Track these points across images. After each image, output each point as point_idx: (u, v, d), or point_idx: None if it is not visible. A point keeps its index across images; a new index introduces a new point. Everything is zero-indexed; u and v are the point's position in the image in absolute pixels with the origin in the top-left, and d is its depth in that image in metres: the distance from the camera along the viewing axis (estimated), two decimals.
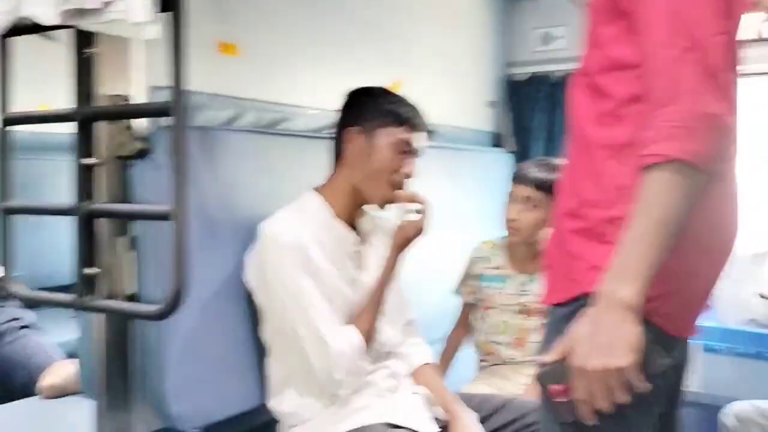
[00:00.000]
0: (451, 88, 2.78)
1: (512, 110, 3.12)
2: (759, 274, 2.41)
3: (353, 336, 1.51)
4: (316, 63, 2.01)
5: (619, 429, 1.03)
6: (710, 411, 2.06)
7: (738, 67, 1.08)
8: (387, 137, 1.57)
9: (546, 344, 1.09)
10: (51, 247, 2.26)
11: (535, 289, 2.05)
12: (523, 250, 2.09)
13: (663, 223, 0.93)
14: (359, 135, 1.57)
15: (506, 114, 3.14)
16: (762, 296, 2.34)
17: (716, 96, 0.93)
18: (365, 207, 1.66)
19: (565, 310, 1.07)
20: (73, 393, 1.92)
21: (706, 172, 0.93)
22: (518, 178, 2.06)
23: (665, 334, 1.04)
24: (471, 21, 2.91)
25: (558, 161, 2.03)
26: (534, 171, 2.03)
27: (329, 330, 1.48)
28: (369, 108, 1.59)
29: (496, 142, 3.13)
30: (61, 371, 1.94)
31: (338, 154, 1.62)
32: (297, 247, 1.48)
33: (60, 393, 1.91)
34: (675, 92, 0.94)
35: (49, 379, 1.93)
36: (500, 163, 2.95)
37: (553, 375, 1.02)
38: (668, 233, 0.94)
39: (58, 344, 2.18)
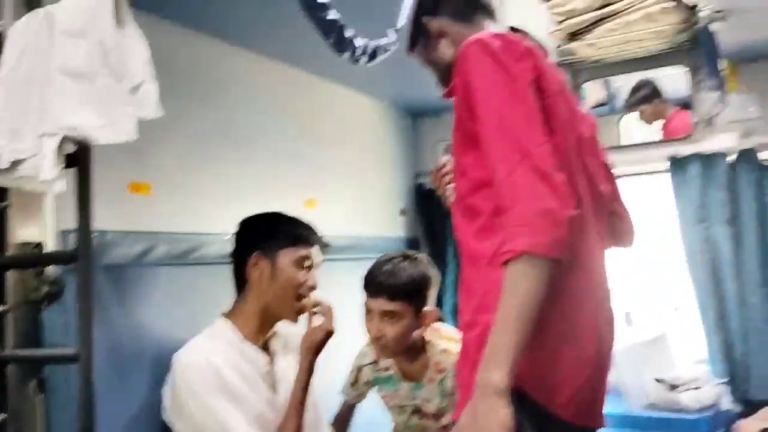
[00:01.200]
0: (364, 200, 2.95)
1: (423, 217, 3.32)
2: (656, 359, 2.58)
3: None
4: (229, 191, 2.13)
5: None
6: None
7: (576, 169, 1.25)
8: (288, 257, 1.70)
9: None
10: None
11: (424, 395, 1.96)
12: (401, 358, 1.95)
13: (520, 311, 1.06)
14: (262, 260, 1.68)
15: (418, 220, 3.33)
16: (657, 381, 2.50)
17: (548, 194, 1.09)
18: (278, 324, 1.75)
19: None
20: None
21: (552, 260, 1.07)
22: (369, 290, 1.86)
23: (559, 420, 1.15)
24: (380, 137, 3.13)
25: (411, 252, 1.95)
26: (385, 278, 1.83)
27: None
28: (266, 234, 1.71)
29: (411, 247, 3.29)
30: None
31: (241, 280, 1.72)
32: (211, 372, 1.54)
33: None
34: (515, 197, 1.10)
35: None
36: None
37: None
38: (526, 319, 1.06)
39: None
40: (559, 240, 1.08)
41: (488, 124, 1.18)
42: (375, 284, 1.85)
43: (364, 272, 2.59)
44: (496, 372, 1.05)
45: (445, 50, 1.42)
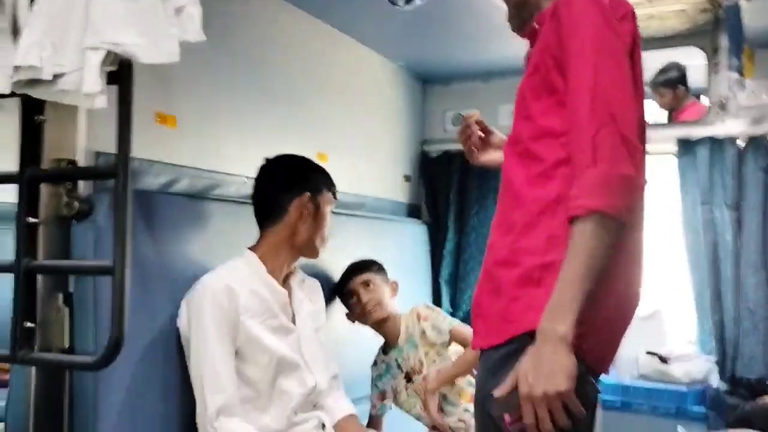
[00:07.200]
0: (371, 163, 2.97)
1: (426, 184, 3.34)
2: (650, 334, 2.65)
3: (233, 424, 1.56)
4: (247, 135, 2.15)
5: None
6: None
7: (645, 141, 1.27)
8: (325, 202, 1.82)
9: (486, 384, 1.21)
10: None
11: (404, 354, 2.26)
12: (383, 326, 2.27)
13: (588, 267, 1.10)
14: (308, 200, 1.75)
15: (421, 187, 3.36)
16: (649, 353, 2.57)
17: (628, 161, 1.12)
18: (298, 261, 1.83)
19: (503, 350, 1.21)
20: None
21: (621, 223, 1.11)
22: (348, 276, 2.26)
23: (590, 369, 1.19)
24: (389, 102, 3.14)
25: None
26: (354, 265, 2.27)
27: (211, 391, 1.56)
28: (311, 176, 1.81)
29: (412, 213, 3.32)
30: None
31: (273, 216, 1.76)
32: (225, 294, 1.59)
33: None
34: (595, 157, 1.12)
35: None
36: (416, 233, 3.15)
37: (506, 405, 1.15)
38: (593, 275, 1.11)
39: None
40: (631, 206, 1.13)
41: (581, 78, 1.18)
42: (349, 271, 2.27)
43: (369, 230, 2.66)
44: (561, 323, 1.10)
45: None
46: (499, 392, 1.16)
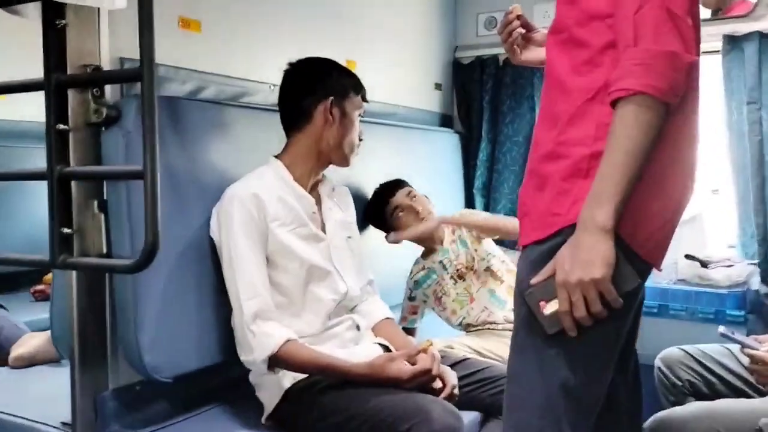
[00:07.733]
0: (401, 70, 2.89)
1: (458, 92, 3.25)
2: (689, 238, 2.60)
3: (269, 327, 1.56)
4: (273, 41, 2.10)
5: (590, 342, 1.15)
6: (645, 370, 2.19)
7: (698, 16, 1.17)
8: (353, 106, 1.75)
9: (527, 277, 1.18)
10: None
11: (451, 255, 2.30)
12: (428, 235, 2.29)
13: (630, 152, 1.05)
14: (332, 105, 1.70)
15: (453, 95, 3.28)
16: (688, 257, 2.53)
17: (674, 36, 1.05)
18: (328, 169, 1.80)
19: (548, 243, 1.17)
20: (42, 363, 1.97)
21: (665, 104, 1.05)
22: (389, 193, 2.27)
23: (638, 258, 1.14)
24: (419, 5, 3.03)
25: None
26: (388, 183, 2.30)
27: (247, 297, 1.56)
28: (336, 79, 1.74)
29: (444, 122, 3.26)
30: (29, 342, 1.98)
31: (298, 122, 1.72)
32: (253, 202, 1.59)
33: (28, 363, 1.96)
34: (637, 34, 1.05)
35: (17, 350, 1.97)
36: (449, 142, 3.09)
37: (541, 292, 1.14)
38: (636, 160, 1.05)
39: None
40: (676, 85, 1.05)
41: None
42: (392, 186, 2.30)
43: (401, 140, 2.62)
44: (601, 211, 1.06)
45: None
46: (536, 279, 1.15)
